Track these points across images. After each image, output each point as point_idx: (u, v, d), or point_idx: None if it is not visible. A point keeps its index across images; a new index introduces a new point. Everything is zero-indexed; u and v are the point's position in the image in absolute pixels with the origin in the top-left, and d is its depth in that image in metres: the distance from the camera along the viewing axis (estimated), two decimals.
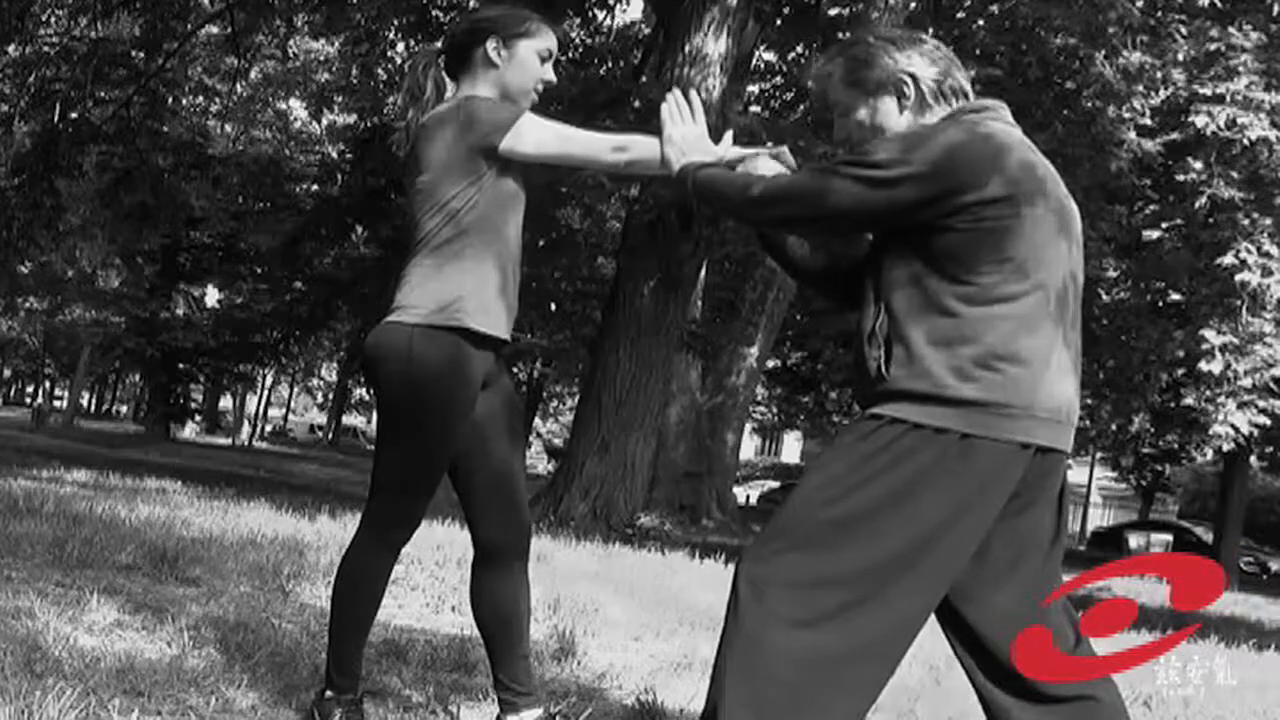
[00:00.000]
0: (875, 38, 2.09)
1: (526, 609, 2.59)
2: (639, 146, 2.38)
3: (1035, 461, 1.87)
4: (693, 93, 2.30)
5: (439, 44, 2.62)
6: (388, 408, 2.45)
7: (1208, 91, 7.75)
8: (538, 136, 2.40)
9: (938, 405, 1.82)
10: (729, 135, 2.30)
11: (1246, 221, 8.04)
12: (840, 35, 13.69)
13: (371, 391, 2.62)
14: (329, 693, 2.50)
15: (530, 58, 2.50)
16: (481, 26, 2.50)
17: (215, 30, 16.85)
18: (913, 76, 2.04)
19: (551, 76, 2.55)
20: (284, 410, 53.67)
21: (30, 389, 52.61)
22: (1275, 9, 7.94)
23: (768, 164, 2.18)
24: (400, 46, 16.44)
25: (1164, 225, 9.21)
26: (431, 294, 2.39)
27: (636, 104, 10.77)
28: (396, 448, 2.45)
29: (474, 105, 2.42)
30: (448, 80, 2.55)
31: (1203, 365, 7.97)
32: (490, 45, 2.48)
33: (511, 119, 2.39)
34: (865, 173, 1.89)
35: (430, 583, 4.64)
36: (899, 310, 1.89)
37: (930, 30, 11.75)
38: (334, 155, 27.05)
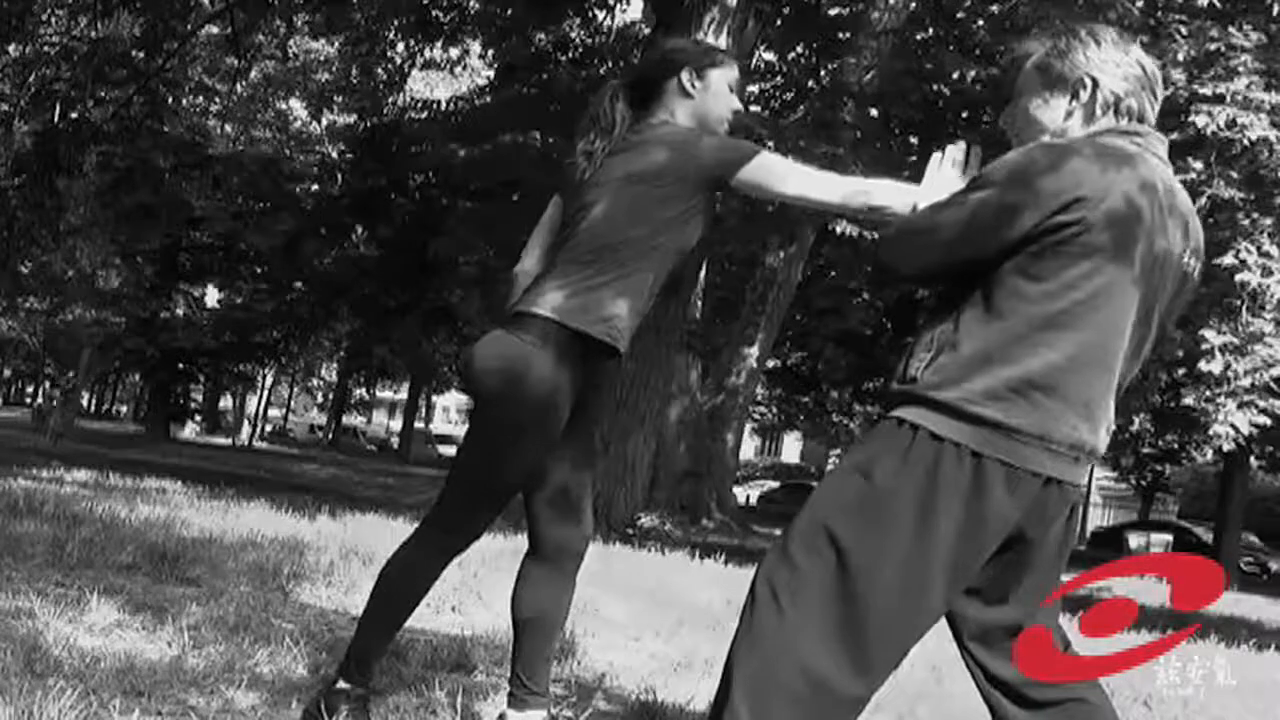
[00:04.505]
0: (1087, 31, 1.98)
1: (565, 613, 2.62)
2: (885, 193, 2.28)
3: (1046, 490, 1.84)
4: (975, 148, 2.16)
5: (624, 77, 2.65)
6: (489, 414, 2.43)
7: (1208, 91, 7.73)
8: (794, 179, 2.36)
9: (958, 419, 1.80)
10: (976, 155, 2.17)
11: (1246, 221, 8.01)
12: (840, 35, 13.65)
13: (470, 396, 2.59)
14: (341, 684, 2.50)
15: (723, 87, 2.55)
16: (674, 59, 2.55)
17: (215, 30, 16.86)
18: (1095, 81, 1.95)
19: (740, 106, 2.59)
20: (284, 410, 53.64)
21: (30, 389, 52.59)
22: (1275, 9, 7.93)
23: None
24: (400, 46, 16.45)
25: None
26: (583, 307, 2.38)
27: None
28: (483, 453, 2.44)
29: (706, 139, 2.43)
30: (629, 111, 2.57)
31: (1203, 365, 7.94)
32: (684, 76, 2.52)
33: (750, 153, 2.38)
34: (974, 195, 1.84)
35: None
36: (964, 322, 1.85)
37: (931, 30, 11.73)
38: (334, 155, 27.06)
